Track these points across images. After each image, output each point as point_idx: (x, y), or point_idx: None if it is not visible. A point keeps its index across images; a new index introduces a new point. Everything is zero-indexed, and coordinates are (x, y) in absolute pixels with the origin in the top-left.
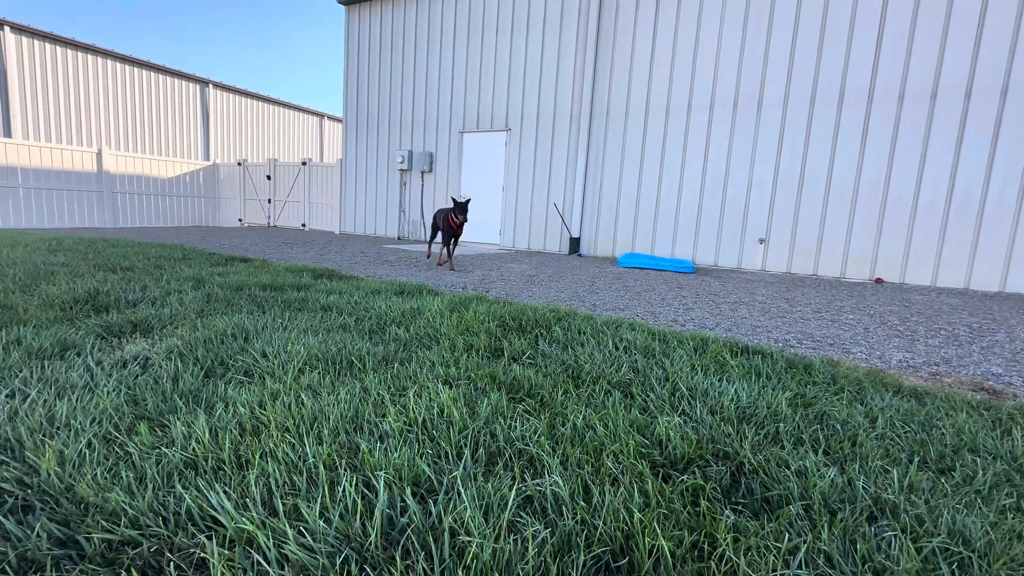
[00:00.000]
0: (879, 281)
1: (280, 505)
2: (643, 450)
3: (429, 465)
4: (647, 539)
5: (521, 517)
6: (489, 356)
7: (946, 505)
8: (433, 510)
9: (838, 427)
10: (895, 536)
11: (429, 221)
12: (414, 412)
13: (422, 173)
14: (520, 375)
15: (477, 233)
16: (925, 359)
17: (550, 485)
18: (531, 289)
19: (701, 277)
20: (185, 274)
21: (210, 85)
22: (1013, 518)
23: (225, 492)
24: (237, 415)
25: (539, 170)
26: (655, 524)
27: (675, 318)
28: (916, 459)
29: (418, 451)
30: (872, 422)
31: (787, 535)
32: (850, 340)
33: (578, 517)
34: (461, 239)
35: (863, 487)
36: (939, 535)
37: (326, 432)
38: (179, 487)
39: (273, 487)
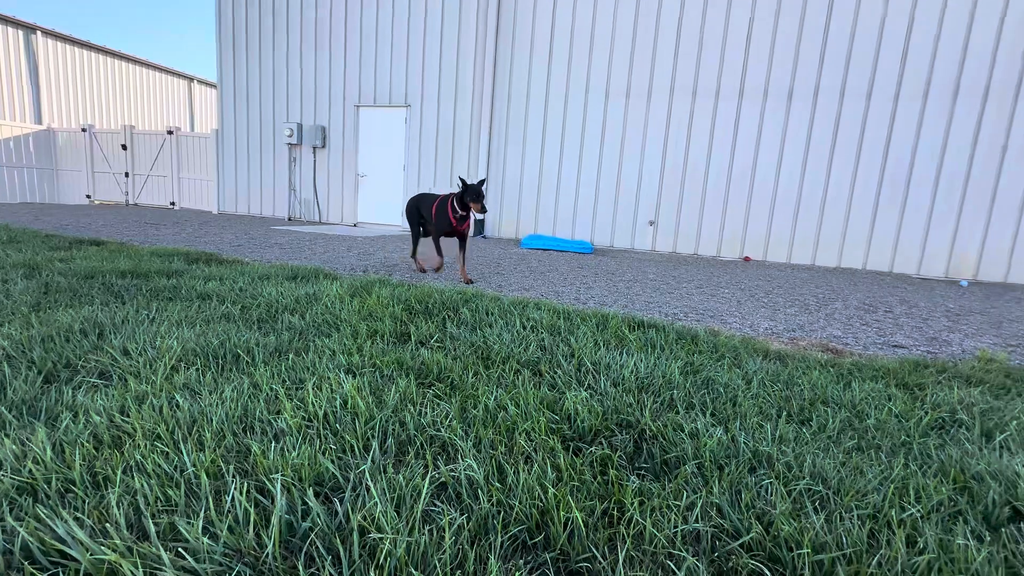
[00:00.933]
0: (747, 259)
1: (151, 526)
2: (554, 426)
3: (333, 461)
4: (562, 512)
5: (436, 505)
6: (395, 341)
7: (808, 451)
8: (339, 509)
9: (721, 390)
10: (770, 483)
11: (325, 199)
12: (314, 406)
13: (314, 148)
14: (429, 359)
15: (378, 214)
16: (785, 326)
17: (464, 470)
18: (435, 272)
19: (599, 257)
20: (13, 260)
21: (37, 32)
22: (856, 457)
23: (77, 519)
24: (91, 425)
25: (442, 150)
26: (569, 497)
27: (577, 296)
28: (784, 413)
29: (320, 447)
30: (748, 384)
31: (684, 493)
32: (726, 312)
33: (494, 499)
34: (383, 224)
35: (744, 442)
36: (804, 478)
37: (208, 436)
38: (9, 519)
39: (142, 505)
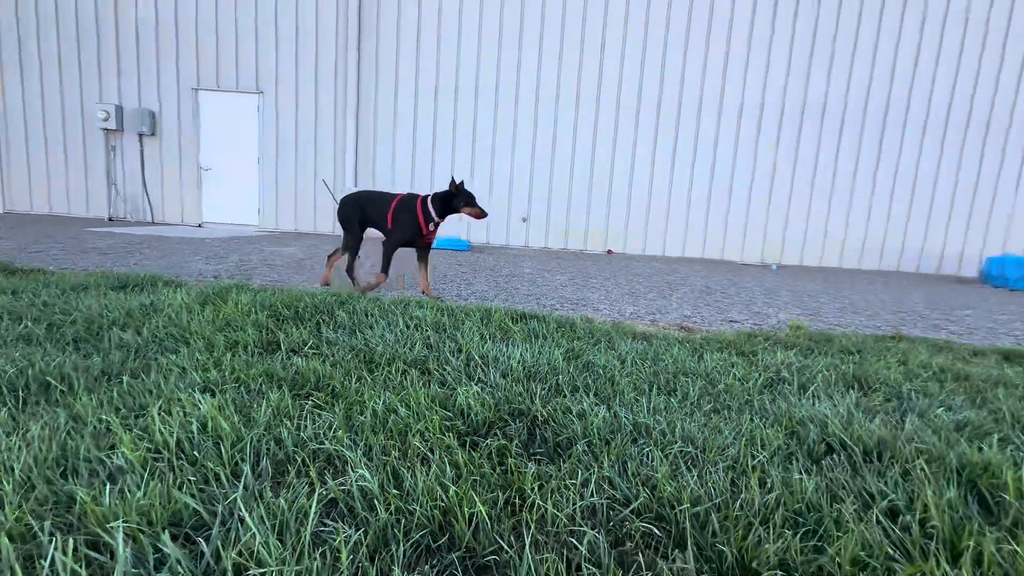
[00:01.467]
0: (610, 252)
1: None
2: (448, 423)
3: (194, 495)
4: (465, 509)
5: (327, 525)
6: (262, 351)
7: (677, 418)
8: (206, 549)
9: (601, 372)
10: (650, 451)
11: (159, 195)
12: (163, 434)
13: (140, 136)
14: (304, 368)
15: (229, 212)
16: (646, 310)
17: (356, 481)
18: (305, 274)
19: (476, 254)
20: None
21: None
22: (715, 418)
23: None
24: None
25: (303, 141)
26: (471, 492)
27: (459, 293)
28: (654, 387)
29: (175, 481)
30: (622, 363)
31: (579, 471)
32: (597, 300)
33: (392, 507)
34: (236, 223)
35: (624, 417)
36: (676, 442)
37: (9, 489)
38: None
39: None
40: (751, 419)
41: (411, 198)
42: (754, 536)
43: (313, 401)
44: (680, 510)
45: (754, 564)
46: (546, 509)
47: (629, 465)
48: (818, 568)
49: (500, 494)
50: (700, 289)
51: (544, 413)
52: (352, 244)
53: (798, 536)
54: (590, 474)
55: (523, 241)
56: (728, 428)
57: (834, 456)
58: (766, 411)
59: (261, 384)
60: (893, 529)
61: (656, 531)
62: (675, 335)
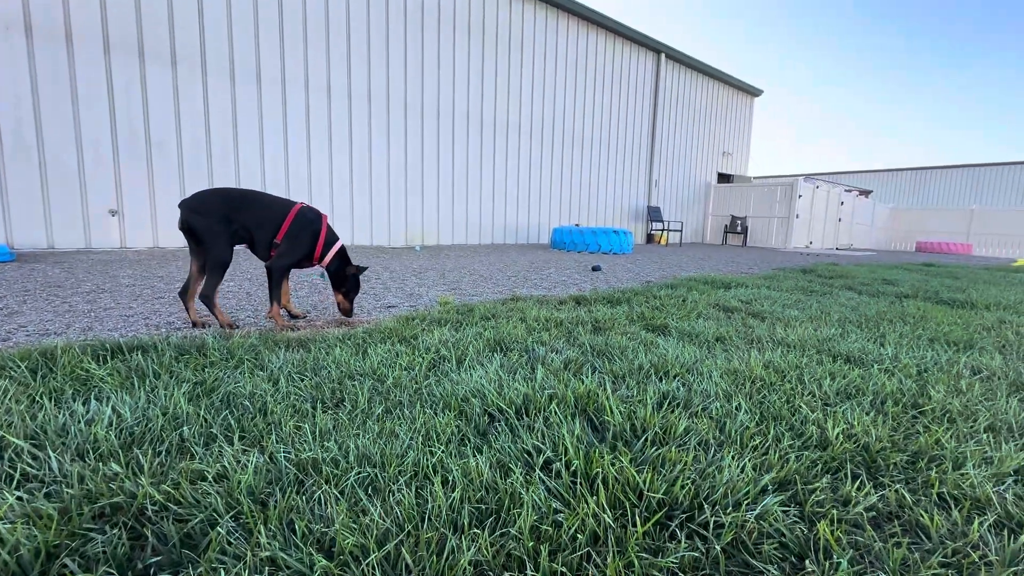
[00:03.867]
0: None
1: None
2: None
3: None
4: None
5: None
6: None
7: (349, 436)
8: None
9: (247, 403)
10: (321, 492)
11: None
12: None
13: None
14: None
15: None
16: (301, 307)
17: None
18: None
19: (29, 266)
20: None
21: None
22: (388, 421)
23: None
24: None
25: None
26: None
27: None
28: (319, 403)
29: None
30: (275, 384)
31: (221, 568)
32: (235, 306)
33: None
34: None
35: (283, 457)
36: (353, 468)
37: None
38: None
39: None
40: (423, 410)
41: (309, 209)
42: (448, 552)
43: None
44: (368, 563)
45: None
46: None
47: (297, 525)
48: (508, 555)
49: None
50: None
51: (158, 495)
52: (220, 260)
53: (486, 530)
54: (241, 566)
55: (116, 241)
56: (403, 429)
57: (496, 424)
58: (435, 396)
59: None
60: (549, 479)
61: None
62: (335, 334)
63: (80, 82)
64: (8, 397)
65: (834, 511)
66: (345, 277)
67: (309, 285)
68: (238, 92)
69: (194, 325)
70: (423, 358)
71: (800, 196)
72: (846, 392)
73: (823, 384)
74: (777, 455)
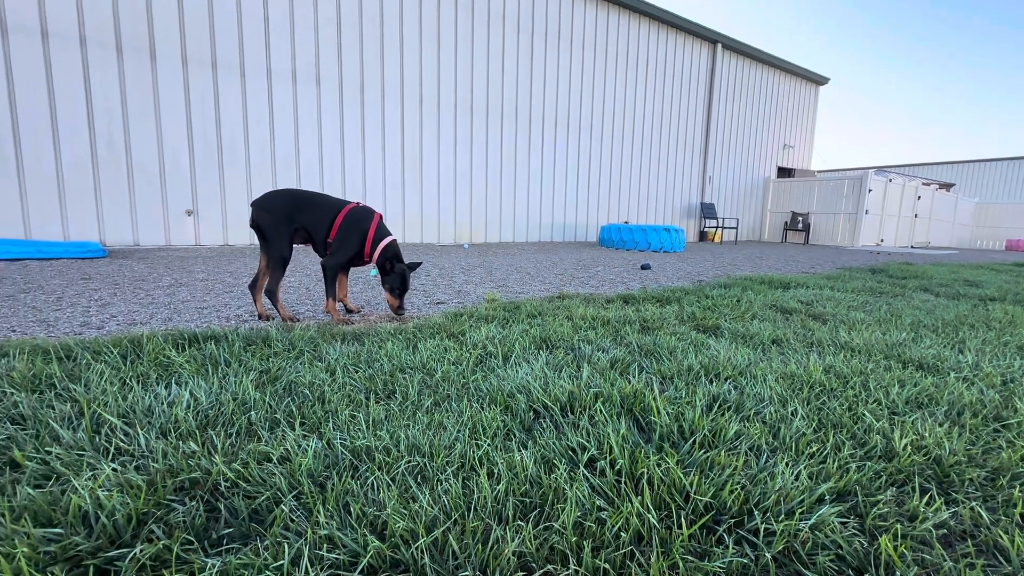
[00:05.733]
0: None
1: None
2: (49, 550)
3: None
4: None
5: None
6: None
7: (399, 426)
8: None
9: (307, 392)
10: (374, 477)
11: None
12: None
13: None
14: None
15: None
16: (355, 302)
17: None
18: None
19: (118, 261)
20: None
21: None
22: (436, 415)
23: None
24: None
25: None
26: None
27: (85, 322)
28: (371, 395)
29: None
30: (332, 374)
31: (285, 544)
32: (296, 300)
33: None
34: None
35: (340, 443)
36: (404, 456)
37: None
38: None
39: None
40: (470, 404)
41: (361, 207)
42: (492, 542)
43: None
44: (417, 547)
45: (497, 574)
46: None
47: (352, 507)
48: (551, 549)
49: None
50: None
51: (230, 473)
52: (281, 257)
53: (529, 523)
54: (302, 543)
55: (192, 239)
56: (451, 421)
57: (541, 420)
58: (481, 391)
59: None
60: (593, 477)
61: None
62: (387, 328)
63: (162, 95)
64: (104, 379)
65: (898, 526)
66: (392, 273)
67: (364, 281)
68: (300, 97)
69: (260, 317)
70: (470, 353)
71: (870, 191)
72: (917, 401)
73: (890, 392)
74: (836, 464)
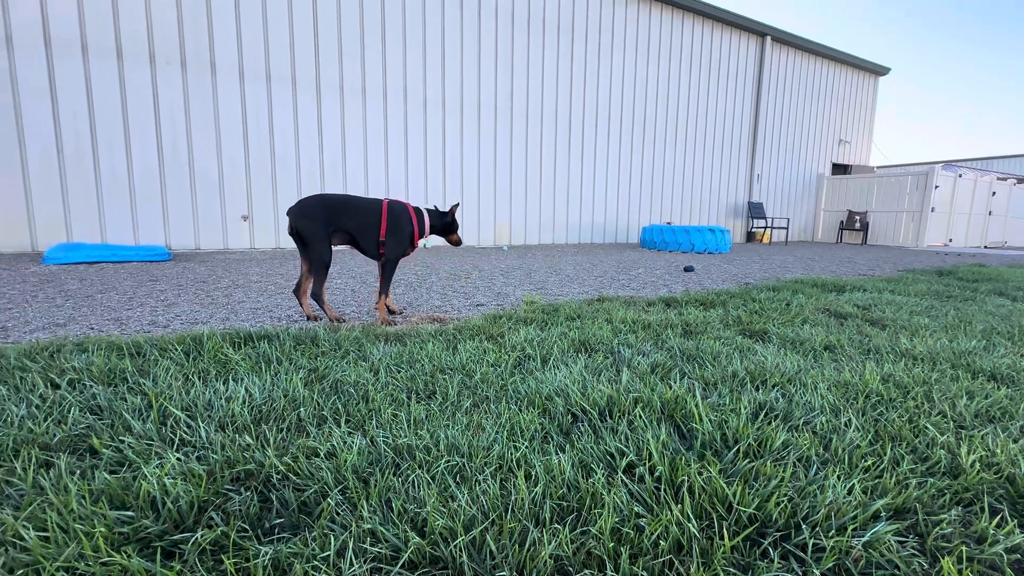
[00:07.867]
0: None
1: None
2: (123, 530)
3: None
4: None
5: None
6: None
7: (439, 426)
8: None
9: (352, 390)
10: (415, 475)
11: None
12: None
13: None
14: None
15: None
16: (399, 303)
17: None
18: None
19: (182, 264)
20: None
21: None
22: (475, 415)
23: None
24: None
25: None
26: None
27: (153, 320)
28: (412, 394)
29: None
30: (376, 374)
31: (331, 535)
32: (342, 301)
33: None
34: None
35: (383, 441)
36: (443, 456)
37: None
38: None
39: None
40: (508, 406)
41: (399, 203)
42: (529, 544)
43: None
44: (455, 545)
45: (535, 574)
46: None
47: (394, 503)
48: (588, 553)
49: None
50: (445, 275)
51: (281, 466)
52: (322, 260)
53: (566, 526)
54: (347, 536)
55: (247, 243)
56: (489, 422)
57: (579, 424)
58: (520, 393)
59: None
60: (632, 483)
61: None
62: (428, 329)
63: (221, 106)
64: (170, 375)
65: (964, 548)
66: (444, 227)
67: (406, 283)
68: (346, 108)
69: (308, 318)
70: (509, 356)
71: (937, 187)
72: (988, 415)
73: (957, 403)
74: (894, 479)
